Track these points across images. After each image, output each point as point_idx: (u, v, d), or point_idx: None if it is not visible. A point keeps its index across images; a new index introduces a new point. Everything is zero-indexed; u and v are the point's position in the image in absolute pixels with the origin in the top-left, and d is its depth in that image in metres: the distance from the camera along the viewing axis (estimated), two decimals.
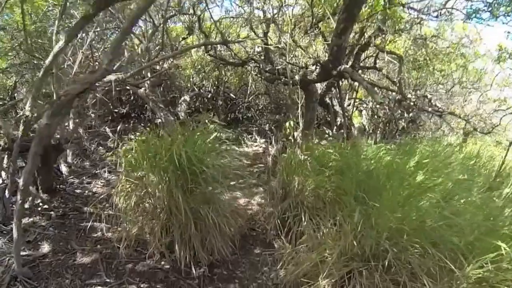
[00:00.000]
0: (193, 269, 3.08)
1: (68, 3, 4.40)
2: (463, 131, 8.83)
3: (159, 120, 5.70)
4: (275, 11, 5.67)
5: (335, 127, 6.10)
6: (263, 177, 5.34)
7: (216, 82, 9.37)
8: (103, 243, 3.38)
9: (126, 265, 3.13)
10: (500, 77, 7.58)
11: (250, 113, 9.67)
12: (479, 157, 5.44)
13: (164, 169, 3.07)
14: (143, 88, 5.60)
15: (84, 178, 4.66)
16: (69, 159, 5.14)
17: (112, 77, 3.70)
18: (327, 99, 6.02)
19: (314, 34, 5.29)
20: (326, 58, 3.76)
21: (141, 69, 4.96)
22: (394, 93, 6.56)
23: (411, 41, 6.10)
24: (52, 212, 3.76)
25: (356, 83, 7.32)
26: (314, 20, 4.65)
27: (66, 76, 4.16)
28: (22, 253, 3.18)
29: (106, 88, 6.26)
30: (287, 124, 4.45)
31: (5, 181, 3.74)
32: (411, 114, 7.59)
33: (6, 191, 3.54)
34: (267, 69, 6.68)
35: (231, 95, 9.54)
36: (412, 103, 5.26)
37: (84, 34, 4.73)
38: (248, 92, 9.36)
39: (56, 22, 3.26)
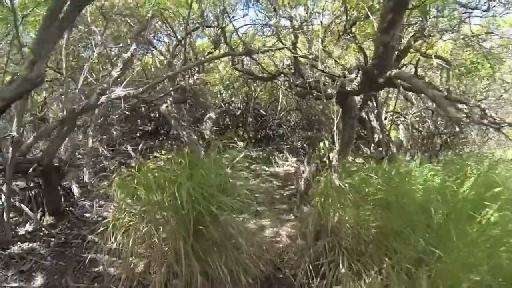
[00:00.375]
0: None
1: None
2: None
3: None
4: (303, 19, 5.15)
5: (372, 145, 5.39)
6: (295, 200, 4.72)
7: (246, 98, 8.94)
8: (101, 280, 2.89)
9: None
10: None
11: (281, 130, 9.11)
12: None
13: (166, 208, 2.57)
14: (165, 105, 5.24)
15: (97, 200, 4.27)
16: (86, 178, 4.82)
17: (121, 92, 3.33)
18: (363, 114, 5.36)
19: (346, 42, 4.68)
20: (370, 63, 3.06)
21: (153, 83, 4.59)
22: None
23: (455, 42, 5.32)
24: (53, 239, 3.37)
25: (392, 93, 6.60)
26: (347, 23, 4.06)
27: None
28: (13, 284, 2.82)
29: (127, 106, 6.02)
30: (321, 144, 3.77)
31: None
32: (457, 128, 6.70)
33: (4, 214, 3.21)
34: (298, 83, 6.14)
35: (261, 111, 9.05)
36: (465, 115, 4.47)
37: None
38: (279, 108, 8.84)
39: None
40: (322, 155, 3.61)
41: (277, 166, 6.98)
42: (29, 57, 2.01)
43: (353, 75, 3.14)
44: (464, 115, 4.43)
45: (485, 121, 4.78)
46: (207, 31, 7.03)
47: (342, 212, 2.85)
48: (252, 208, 4.32)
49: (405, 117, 6.76)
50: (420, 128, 6.93)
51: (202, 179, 2.65)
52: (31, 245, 3.33)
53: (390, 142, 5.17)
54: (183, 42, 5.84)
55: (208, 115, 6.17)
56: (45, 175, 3.31)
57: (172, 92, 5.56)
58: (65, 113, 3.19)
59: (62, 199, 4.04)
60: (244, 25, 6.94)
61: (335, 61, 4.46)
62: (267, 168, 6.71)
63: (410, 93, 5.82)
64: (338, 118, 3.19)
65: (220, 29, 6.25)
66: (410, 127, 6.87)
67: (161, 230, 2.62)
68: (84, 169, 4.88)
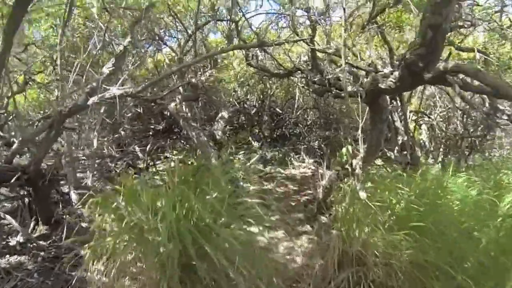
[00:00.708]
0: None
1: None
2: None
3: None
4: (321, 11, 4.65)
5: (396, 148, 4.82)
6: (312, 208, 4.24)
7: (261, 96, 8.48)
8: None
9: None
10: None
11: (298, 129, 8.61)
12: None
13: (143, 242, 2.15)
14: (173, 104, 4.84)
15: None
16: (89, 182, 4.49)
17: (116, 91, 2.94)
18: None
19: (371, 33, 4.12)
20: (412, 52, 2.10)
21: (155, 81, 4.17)
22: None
23: (492, 33, 4.66)
24: (42, 253, 3.03)
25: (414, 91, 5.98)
26: (373, 11, 3.52)
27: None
28: None
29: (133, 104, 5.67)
30: (344, 150, 3.23)
31: None
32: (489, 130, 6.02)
33: None
34: (316, 79, 5.63)
35: (277, 109, 8.57)
36: (507, 116, 3.89)
37: None
38: (296, 106, 8.33)
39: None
40: (344, 161, 3.10)
41: (293, 168, 6.50)
42: None
43: (387, 70, 2.58)
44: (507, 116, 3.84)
45: None
46: (220, 26, 6.62)
47: (369, 235, 2.34)
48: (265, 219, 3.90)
49: (429, 117, 6.14)
50: (445, 130, 6.28)
51: (194, 204, 2.20)
52: (19, 258, 3.01)
53: (414, 144, 4.60)
54: (193, 37, 5.42)
55: (220, 114, 5.74)
56: (31, 184, 2.97)
57: (180, 90, 5.14)
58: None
59: (60, 206, 3.71)
60: (257, 14, 6.51)
61: (355, 55, 3.91)
62: (282, 171, 6.25)
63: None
64: (364, 120, 2.66)
65: (233, 23, 5.82)
66: (436, 128, 6.25)
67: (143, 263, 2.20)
68: (88, 171, 4.55)
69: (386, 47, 4.41)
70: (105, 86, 3.05)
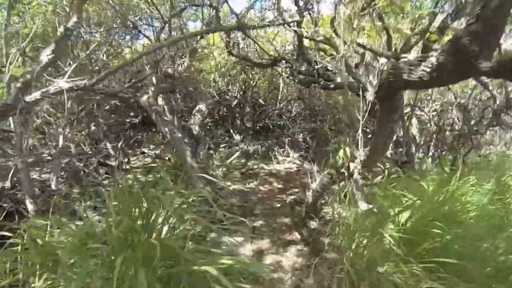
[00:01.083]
0: None
1: None
2: None
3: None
4: None
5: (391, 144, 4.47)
6: (300, 211, 3.84)
7: (243, 87, 7.99)
8: None
9: None
10: None
11: (281, 121, 8.20)
12: None
13: None
14: (146, 96, 4.32)
15: (59, 216, 3.39)
16: (53, 185, 3.95)
17: (64, 84, 2.42)
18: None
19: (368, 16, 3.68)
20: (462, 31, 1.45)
21: (108, 73, 3.54)
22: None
23: None
24: None
25: None
26: None
27: None
28: None
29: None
30: (341, 152, 2.75)
31: None
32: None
33: None
34: (302, 69, 5.21)
35: (260, 100, 8.12)
36: None
37: None
38: (279, 97, 7.90)
39: None
40: (341, 165, 2.67)
41: (277, 163, 6.10)
42: None
43: (411, 55, 2.05)
44: None
45: None
46: (201, 14, 6.07)
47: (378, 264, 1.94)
48: (247, 224, 3.50)
49: (422, 111, 5.79)
50: (438, 124, 5.92)
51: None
52: None
53: (410, 141, 4.26)
54: (169, 24, 4.89)
55: (197, 107, 5.24)
56: None
57: (154, 81, 4.62)
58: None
59: (16, 218, 3.18)
60: None
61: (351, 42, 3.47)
62: (265, 166, 5.84)
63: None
64: (364, 117, 2.22)
65: (213, 9, 5.31)
66: (428, 122, 5.87)
67: None
68: (52, 174, 4.01)
69: (379, 36, 4.01)
70: (51, 79, 2.52)
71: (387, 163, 4.10)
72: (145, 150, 6.25)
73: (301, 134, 7.48)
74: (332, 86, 4.67)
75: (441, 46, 1.72)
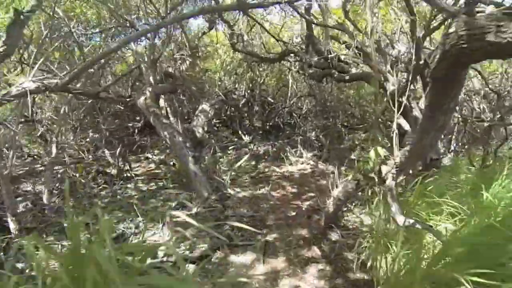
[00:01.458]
0: None
1: None
2: None
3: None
4: None
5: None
6: (318, 220, 3.34)
7: (251, 85, 7.51)
8: None
9: None
10: None
11: (292, 119, 7.68)
12: None
13: None
14: (143, 98, 3.90)
15: (46, 236, 2.99)
16: (45, 198, 3.56)
17: (29, 84, 2.00)
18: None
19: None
20: None
21: (85, 67, 2.98)
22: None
23: None
24: None
25: None
26: None
27: None
28: None
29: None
30: (372, 152, 2.17)
31: None
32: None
33: None
34: (312, 62, 4.72)
35: (269, 99, 7.62)
36: None
37: None
38: (289, 94, 7.39)
39: None
40: (370, 168, 2.14)
41: (289, 165, 5.60)
42: None
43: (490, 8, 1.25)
44: None
45: None
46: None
47: None
48: (259, 238, 3.03)
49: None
50: (461, 115, 5.31)
51: None
52: None
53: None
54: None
55: (200, 107, 4.80)
56: None
57: (152, 81, 4.19)
58: None
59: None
60: None
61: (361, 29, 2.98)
62: (277, 169, 5.35)
63: None
64: (401, 110, 1.72)
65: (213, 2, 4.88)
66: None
67: None
68: (43, 187, 3.62)
69: (398, 19, 3.49)
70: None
71: None
72: (149, 156, 5.84)
73: (314, 132, 6.96)
74: (347, 78, 4.17)
75: None
